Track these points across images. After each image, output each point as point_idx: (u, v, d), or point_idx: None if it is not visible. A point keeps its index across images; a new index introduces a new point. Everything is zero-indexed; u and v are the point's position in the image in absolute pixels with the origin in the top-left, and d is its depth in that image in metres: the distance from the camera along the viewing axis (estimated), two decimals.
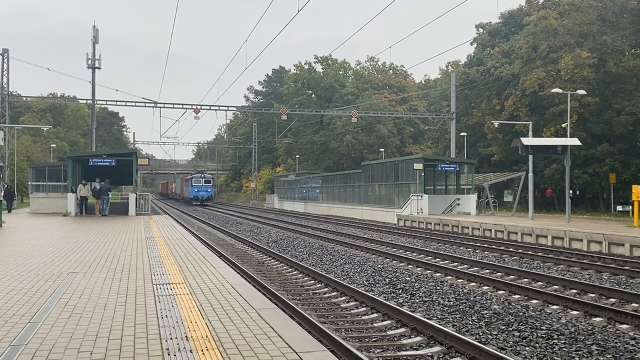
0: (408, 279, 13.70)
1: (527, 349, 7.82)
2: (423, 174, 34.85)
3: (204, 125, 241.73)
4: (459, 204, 35.66)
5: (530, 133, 32.12)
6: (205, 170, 77.19)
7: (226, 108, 49.05)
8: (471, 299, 11.17)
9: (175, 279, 9.27)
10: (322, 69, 79.09)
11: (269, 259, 17.56)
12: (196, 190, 67.81)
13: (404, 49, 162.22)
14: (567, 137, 30.91)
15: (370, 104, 66.89)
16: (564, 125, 35.32)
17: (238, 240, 23.64)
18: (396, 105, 73.22)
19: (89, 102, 45.85)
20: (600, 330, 8.85)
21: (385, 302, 10.19)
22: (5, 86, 43.28)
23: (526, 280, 13.49)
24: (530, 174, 30.34)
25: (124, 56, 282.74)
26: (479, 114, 48.82)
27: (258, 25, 52.57)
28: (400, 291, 12.06)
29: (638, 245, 17.73)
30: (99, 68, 42.62)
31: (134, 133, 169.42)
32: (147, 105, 45.42)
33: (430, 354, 7.52)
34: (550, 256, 17.64)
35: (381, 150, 66.03)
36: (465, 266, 15.84)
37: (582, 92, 30.87)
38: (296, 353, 5.16)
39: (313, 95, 77.56)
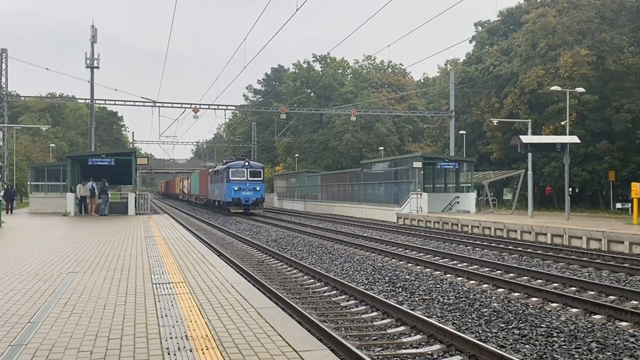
0: (407, 277, 13.70)
1: (527, 346, 7.82)
2: (422, 172, 34.85)
3: (203, 124, 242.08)
4: (458, 202, 35.68)
5: (529, 130, 32.12)
6: (245, 156, 54.02)
7: (225, 107, 49.05)
8: (470, 296, 11.18)
9: (175, 278, 9.27)
10: (321, 68, 78.96)
11: (268, 257, 17.55)
12: (236, 189, 41.36)
13: (403, 47, 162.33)
14: (566, 134, 30.89)
15: (369, 102, 66.83)
16: (562, 123, 35.30)
17: (237, 239, 23.61)
18: (395, 103, 73.12)
19: (87, 101, 45.80)
20: (599, 327, 8.86)
21: (385, 300, 10.19)
22: (4, 86, 43.23)
23: (525, 277, 13.50)
24: (529, 172, 30.36)
25: (123, 55, 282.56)
26: (477, 112, 48.84)
27: (256, 24, 52.46)
28: (400, 289, 12.06)
29: (637, 242, 17.74)
30: (97, 67, 42.58)
31: (133, 132, 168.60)
32: (145, 104, 45.39)
33: (429, 352, 7.51)
34: (550, 254, 17.65)
35: (380, 148, 65.98)
36: (465, 264, 15.85)
37: (580, 89, 30.84)
38: (296, 352, 5.16)
39: (312, 94, 77.44)
